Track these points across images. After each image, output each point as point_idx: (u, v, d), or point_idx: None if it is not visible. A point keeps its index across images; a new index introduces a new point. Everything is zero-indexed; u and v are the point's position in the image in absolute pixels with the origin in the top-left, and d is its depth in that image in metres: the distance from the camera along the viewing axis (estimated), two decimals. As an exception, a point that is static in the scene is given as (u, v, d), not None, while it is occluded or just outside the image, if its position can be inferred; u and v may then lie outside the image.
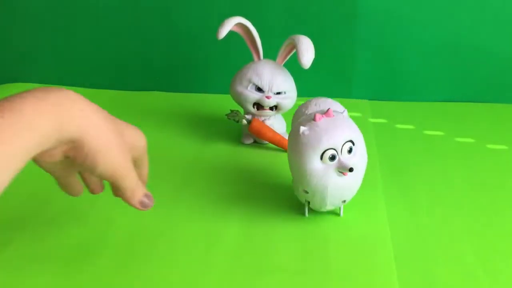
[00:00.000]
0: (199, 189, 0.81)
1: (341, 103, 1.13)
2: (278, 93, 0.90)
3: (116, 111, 1.14)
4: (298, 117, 0.77)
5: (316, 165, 0.66)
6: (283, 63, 0.93)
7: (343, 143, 0.66)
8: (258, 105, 0.92)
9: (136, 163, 0.58)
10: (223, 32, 0.88)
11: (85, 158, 0.51)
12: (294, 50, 0.88)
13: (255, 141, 0.97)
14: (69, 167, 0.58)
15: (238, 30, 0.92)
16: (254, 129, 0.92)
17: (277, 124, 0.94)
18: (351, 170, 0.65)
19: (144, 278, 0.62)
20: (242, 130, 0.96)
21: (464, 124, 1.05)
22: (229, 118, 0.94)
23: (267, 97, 0.90)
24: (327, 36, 1.13)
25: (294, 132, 0.69)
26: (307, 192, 0.68)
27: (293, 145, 0.68)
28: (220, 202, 0.78)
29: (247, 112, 0.93)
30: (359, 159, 0.68)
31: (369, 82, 1.17)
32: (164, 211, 0.75)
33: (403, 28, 1.12)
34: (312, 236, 0.70)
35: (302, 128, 0.66)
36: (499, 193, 0.81)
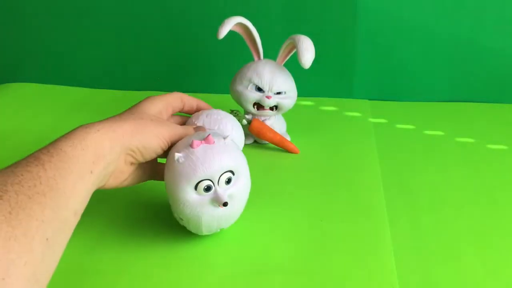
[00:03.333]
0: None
1: (342, 103, 1.15)
2: (278, 93, 0.90)
3: (116, 111, 1.15)
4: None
5: (190, 196, 0.61)
6: (283, 63, 0.93)
7: (220, 174, 0.61)
8: (258, 105, 0.92)
9: (185, 106, 0.75)
10: (223, 32, 0.88)
11: (139, 149, 0.62)
12: (295, 50, 0.88)
13: (255, 141, 0.97)
14: (138, 169, 0.66)
15: (238, 30, 0.92)
16: (254, 129, 0.92)
17: (277, 124, 0.94)
18: (225, 204, 0.61)
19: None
20: (242, 130, 0.96)
21: (464, 124, 1.05)
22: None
23: (267, 97, 0.90)
24: (327, 36, 1.13)
25: (170, 157, 0.64)
26: (182, 219, 0.65)
27: (168, 171, 0.63)
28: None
29: (247, 112, 0.93)
30: (239, 188, 0.64)
31: (370, 82, 1.17)
32: (164, 211, 0.75)
33: (403, 28, 1.12)
34: (312, 236, 0.70)
35: (177, 155, 0.61)
36: (499, 193, 0.81)
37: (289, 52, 0.92)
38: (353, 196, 0.79)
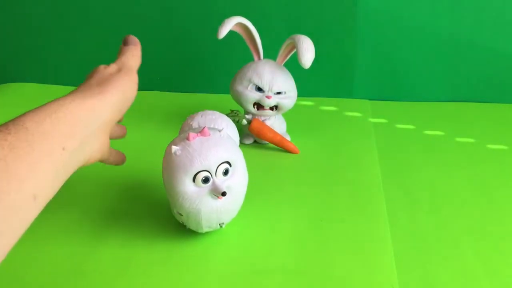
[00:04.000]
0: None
1: (342, 103, 1.15)
2: (279, 93, 0.90)
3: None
4: (183, 127, 0.74)
5: (188, 188, 0.62)
6: (283, 63, 0.93)
7: (217, 165, 0.62)
8: (258, 105, 0.92)
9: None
10: (223, 32, 0.88)
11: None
12: (295, 50, 0.88)
13: (255, 141, 0.97)
14: None
15: (238, 30, 0.92)
16: (254, 129, 0.92)
17: (278, 124, 0.94)
18: (223, 194, 0.61)
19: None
20: (242, 130, 0.96)
21: (464, 124, 1.05)
22: (229, 118, 0.94)
23: (267, 97, 0.90)
24: (328, 36, 1.13)
25: (167, 151, 0.65)
26: (181, 215, 0.65)
27: (166, 165, 0.64)
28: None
29: (247, 112, 0.93)
30: (237, 181, 0.64)
31: (370, 82, 1.17)
32: (164, 211, 0.75)
33: (403, 28, 1.12)
34: (312, 236, 0.70)
35: (174, 148, 0.62)
36: (499, 193, 0.81)
37: (289, 52, 0.92)
38: (353, 196, 0.79)
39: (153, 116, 1.07)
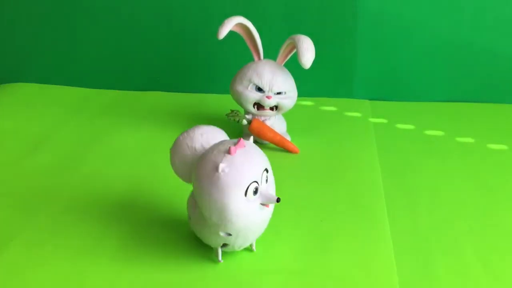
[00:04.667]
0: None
1: (342, 103, 1.15)
2: (279, 93, 0.90)
3: (117, 111, 1.15)
4: (182, 151, 0.66)
5: (242, 203, 0.58)
6: (284, 63, 0.93)
7: (261, 173, 0.60)
8: (259, 105, 0.92)
9: None
10: (224, 32, 0.88)
11: None
12: (295, 50, 0.88)
13: (255, 141, 0.96)
14: None
15: (238, 30, 0.92)
16: (254, 129, 0.92)
17: (278, 124, 0.94)
18: (278, 200, 0.60)
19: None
20: (242, 130, 0.96)
21: (464, 124, 1.05)
22: (229, 118, 0.94)
23: (268, 97, 0.90)
24: (328, 36, 1.13)
25: (208, 172, 0.59)
26: (230, 235, 0.61)
27: (211, 187, 0.58)
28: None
29: (247, 112, 0.93)
30: (273, 186, 0.63)
31: (370, 82, 1.17)
32: (164, 212, 0.75)
33: (403, 29, 1.12)
34: (312, 236, 0.70)
35: (221, 166, 0.58)
36: (499, 192, 0.81)
37: (289, 52, 0.92)
38: (353, 196, 0.79)
39: (153, 116, 1.07)
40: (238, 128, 0.98)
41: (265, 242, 0.69)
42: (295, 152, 0.93)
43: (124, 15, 1.18)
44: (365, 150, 0.94)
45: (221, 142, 0.62)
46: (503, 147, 0.96)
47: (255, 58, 0.93)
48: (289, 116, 0.97)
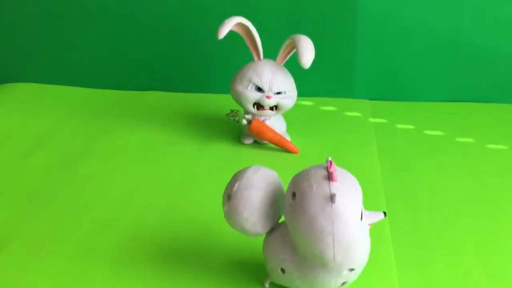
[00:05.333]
0: (199, 189, 0.81)
1: (342, 103, 1.15)
2: (278, 93, 0.90)
3: (117, 111, 1.15)
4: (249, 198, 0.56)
5: (361, 230, 0.53)
6: (283, 63, 0.93)
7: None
8: (258, 105, 0.92)
9: None
10: (223, 32, 0.88)
11: None
12: (294, 50, 0.88)
13: (255, 141, 0.97)
14: None
15: (238, 30, 0.92)
16: (254, 129, 0.92)
17: (277, 124, 0.94)
18: (385, 214, 0.58)
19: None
20: (242, 130, 0.96)
21: (464, 124, 1.05)
22: (229, 118, 0.94)
23: (267, 97, 0.90)
24: (328, 36, 1.13)
25: (318, 210, 0.51)
26: (353, 270, 0.55)
27: (329, 223, 0.51)
28: (220, 201, 0.78)
29: (247, 112, 0.93)
30: None
31: (370, 82, 1.17)
32: (164, 211, 0.75)
33: (403, 28, 1.12)
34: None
35: (336, 195, 0.51)
36: (499, 192, 0.81)
37: (289, 52, 0.92)
38: (353, 196, 0.79)
39: (153, 116, 1.07)
40: (238, 128, 0.98)
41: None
42: (295, 152, 0.93)
43: (124, 15, 1.18)
44: (365, 150, 0.94)
45: (305, 173, 0.54)
46: (503, 147, 0.96)
47: (255, 58, 0.93)
48: (289, 116, 0.97)
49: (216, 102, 1.13)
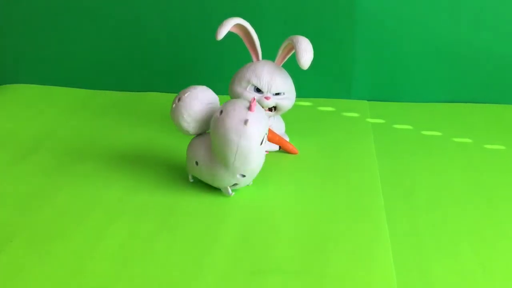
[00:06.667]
0: (199, 189, 0.81)
1: (340, 103, 1.15)
2: (277, 94, 0.91)
3: (117, 112, 1.15)
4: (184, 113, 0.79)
5: (259, 150, 0.75)
6: (282, 63, 0.94)
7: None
8: (257, 106, 0.92)
9: None
10: (222, 33, 0.88)
11: None
12: (293, 51, 0.89)
13: (254, 142, 0.97)
14: None
15: (237, 31, 0.92)
16: (253, 129, 0.93)
17: (276, 125, 0.95)
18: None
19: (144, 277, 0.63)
20: (241, 131, 0.96)
21: (462, 125, 1.06)
22: None
23: (266, 98, 0.90)
24: (326, 37, 1.13)
25: (235, 125, 0.72)
26: (244, 176, 0.76)
27: (239, 137, 0.72)
28: (220, 202, 0.78)
29: (246, 112, 0.93)
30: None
31: (368, 83, 1.17)
32: (164, 211, 0.75)
33: (402, 29, 1.13)
34: (312, 236, 0.70)
35: (248, 121, 0.73)
36: (497, 193, 0.82)
37: (288, 53, 0.93)
38: (351, 196, 0.80)
39: (153, 116, 1.08)
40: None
41: (265, 242, 0.69)
42: (294, 153, 0.93)
43: (123, 15, 1.19)
44: (363, 151, 0.94)
45: (234, 101, 0.75)
46: (501, 147, 0.96)
47: (254, 59, 0.94)
48: (287, 117, 0.98)
49: (215, 103, 1.13)
